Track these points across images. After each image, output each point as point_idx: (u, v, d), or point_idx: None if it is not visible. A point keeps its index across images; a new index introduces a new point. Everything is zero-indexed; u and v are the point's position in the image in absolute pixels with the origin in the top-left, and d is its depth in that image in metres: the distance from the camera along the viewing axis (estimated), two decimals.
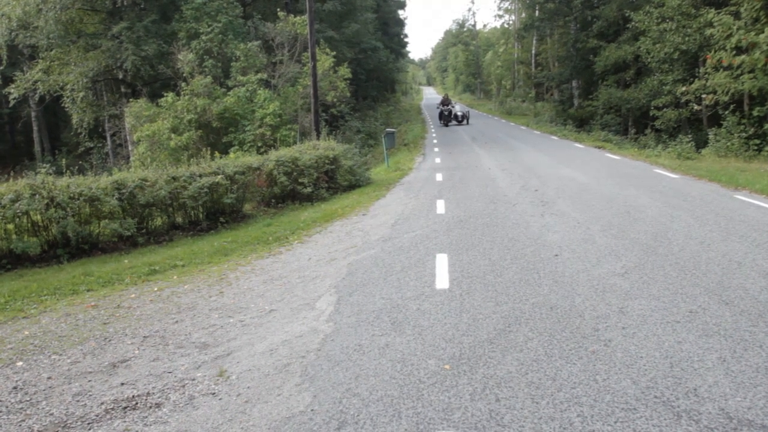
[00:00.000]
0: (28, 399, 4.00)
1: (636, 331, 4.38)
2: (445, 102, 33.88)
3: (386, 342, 4.40)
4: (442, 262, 6.39)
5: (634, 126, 25.18)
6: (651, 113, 21.83)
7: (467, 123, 33.03)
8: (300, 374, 3.97)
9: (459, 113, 33.39)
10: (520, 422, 3.26)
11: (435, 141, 24.78)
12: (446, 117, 33.15)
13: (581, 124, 28.77)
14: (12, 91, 25.00)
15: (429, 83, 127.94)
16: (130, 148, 23.78)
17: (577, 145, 21.02)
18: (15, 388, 4.19)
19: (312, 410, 3.48)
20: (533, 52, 43.95)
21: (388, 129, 19.19)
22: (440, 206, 9.65)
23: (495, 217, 8.59)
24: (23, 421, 3.68)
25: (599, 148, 19.58)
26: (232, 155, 15.26)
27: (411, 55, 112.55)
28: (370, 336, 4.54)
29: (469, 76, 71.57)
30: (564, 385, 3.64)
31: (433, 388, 3.67)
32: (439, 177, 13.56)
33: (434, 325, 4.67)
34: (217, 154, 11.67)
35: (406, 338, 4.45)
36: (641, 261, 6.11)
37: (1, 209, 7.98)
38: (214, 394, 3.82)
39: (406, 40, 60.99)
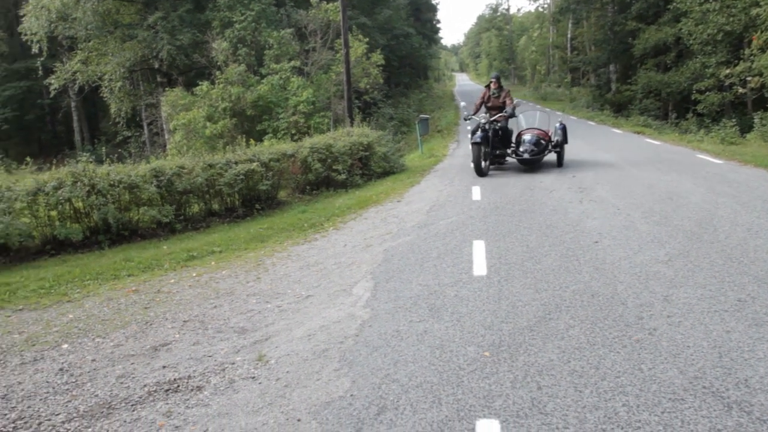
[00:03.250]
0: (74, 380, 4.09)
1: (682, 320, 4.25)
2: (488, 101, 11.75)
3: (424, 328, 4.37)
4: (479, 248, 6.31)
5: (675, 110, 24.48)
6: (693, 97, 21.17)
7: (561, 160, 11.86)
8: (338, 359, 3.97)
9: (529, 135, 11.54)
10: (564, 411, 3.19)
11: (468, 128, 24.50)
12: (490, 142, 11.18)
13: (619, 109, 28.13)
14: (52, 81, 25.59)
15: (462, 69, 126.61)
16: (166, 137, 24.16)
17: (615, 130, 20.56)
18: (61, 369, 4.29)
19: (351, 395, 3.47)
20: (569, 35, 43.06)
21: (422, 115, 19.04)
22: (476, 192, 9.53)
23: (532, 204, 8.45)
24: (69, 402, 3.77)
25: (638, 133, 19.12)
26: (266, 143, 15.35)
27: (443, 41, 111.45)
28: (407, 322, 4.51)
29: (503, 62, 70.56)
30: (608, 374, 3.55)
31: (473, 375, 3.62)
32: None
33: (472, 312, 4.61)
34: (252, 141, 11.74)
35: (444, 324, 4.41)
36: (685, 248, 5.93)
37: (44, 196, 8.19)
38: (253, 378, 3.85)
39: (438, 25, 60.41)
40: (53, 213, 8.43)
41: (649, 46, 25.54)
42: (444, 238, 6.90)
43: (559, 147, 11.70)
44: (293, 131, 17.43)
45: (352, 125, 14.47)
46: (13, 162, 14.49)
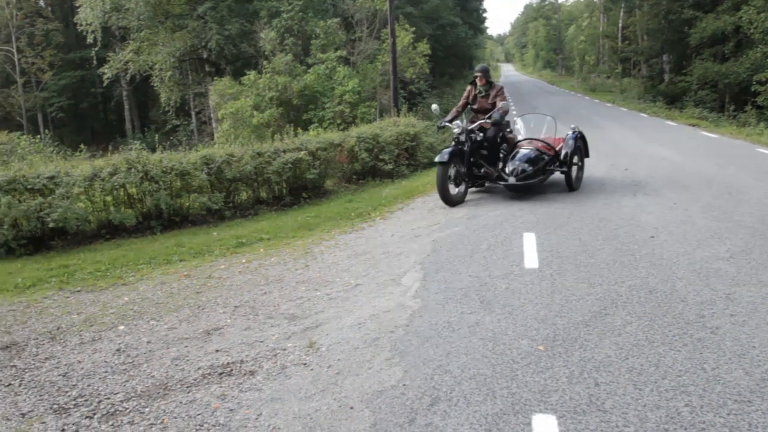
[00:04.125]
0: (131, 361, 4.18)
1: (746, 319, 4.08)
2: (473, 102, 8.86)
3: (476, 320, 4.31)
4: (529, 241, 6.20)
5: (733, 102, 23.53)
6: (752, 89, 20.32)
7: (572, 181, 8.68)
8: (389, 349, 3.95)
9: (525, 149, 8.49)
10: (623, 408, 3.10)
11: (515, 119, 24.19)
12: (466, 159, 8.32)
13: (672, 100, 27.21)
14: (105, 71, 26.30)
15: (507, 60, 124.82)
16: (214, 126, 24.57)
17: (669, 122, 19.91)
18: (118, 350, 4.39)
19: (404, 385, 3.45)
20: (620, 25, 41.83)
21: None
22: None
23: (583, 196, 8.25)
24: (127, 381, 3.86)
25: (693, 126, 18.47)
26: (311, 132, 15.44)
27: (489, 31, 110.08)
28: (458, 313, 4.46)
29: (550, 52, 69.27)
30: (668, 373, 3.43)
31: (528, 369, 3.55)
32: None
33: (525, 305, 4.52)
34: (299, 130, 11.81)
35: (496, 317, 4.34)
36: (748, 245, 5.69)
37: (100, 182, 8.41)
38: (305, 364, 3.86)
39: (484, 15, 59.54)
40: (108, 198, 8.66)
41: (707, 35, 24.58)
42: (493, 229, 6.80)
43: (570, 164, 8.47)
44: (339, 121, 17.47)
45: (398, 115, 14.41)
46: (68, 149, 14.99)
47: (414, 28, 21.88)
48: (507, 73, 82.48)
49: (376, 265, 5.95)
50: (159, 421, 3.30)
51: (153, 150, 9.54)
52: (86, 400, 3.63)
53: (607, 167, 10.67)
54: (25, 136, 18.14)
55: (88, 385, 3.83)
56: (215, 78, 22.64)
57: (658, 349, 3.72)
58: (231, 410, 3.35)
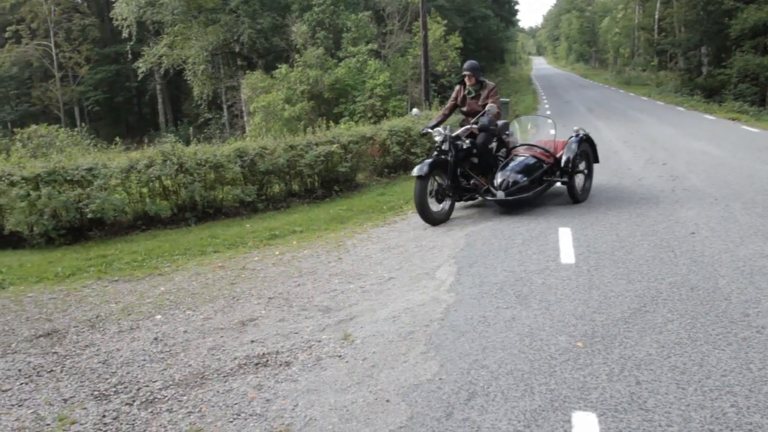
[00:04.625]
0: (168, 350, 4.24)
1: None
2: (462, 104, 7.87)
3: (512, 315, 4.26)
4: (565, 235, 6.11)
5: None
6: None
7: (576, 192, 7.56)
8: (425, 343, 3.93)
9: (520, 157, 7.49)
10: (666, 408, 3.02)
11: (548, 112, 23.80)
12: (450, 170, 7.22)
13: (711, 94, 26.51)
14: (140, 65, 26.73)
15: (539, 53, 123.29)
16: (245, 119, 24.82)
17: (707, 116, 19.41)
18: (155, 339, 4.46)
19: (440, 379, 3.42)
20: (656, 16, 40.89)
21: (501, 99, 18.63)
22: None
23: (620, 191, 8.10)
24: (165, 370, 3.91)
25: (733, 120, 17.97)
26: (342, 126, 15.45)
27: (521, 24, 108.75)
28: (494, 308, 4.41)
29: (583, 45, 68.17)
30: (712, 372, 3.34)
31: (566, 365, 3.49)
32: None
33: (562, 301, 4.45)
34: (331, 123, 11.83)
35: (532, 312, 4.28)
36: None
37: (136, 174, 8.55)
38: (340, 356, 3.86)
39: (516, 7, 58.81)
40: (144, 190, 8.80)
41: (748, 26, 23.89)
42: (528, 224, 6.71)
43: (572, 172, 7.36)
44: (369, 114, 17.46)
45: (430, 108, 14.33)
46: (103, 142, 15.27)
47: (446, 21, 21.72)
48: (538, 66, 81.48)
49: (409, 259, 5.92)
50: (197, 410, 3.34)
51: (187, 143, 9.64)
52: (126, 387, 3.69)
53: (644, 162, 10.46)
54: (63, 129, 18.54)
55: (128, 373, 3.90)
56: (247, 71, 22.81)
57: (702, 347, 3.63)
58: (267, 400, 3.37)
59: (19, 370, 4.04)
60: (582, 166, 7.77)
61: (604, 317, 4.12)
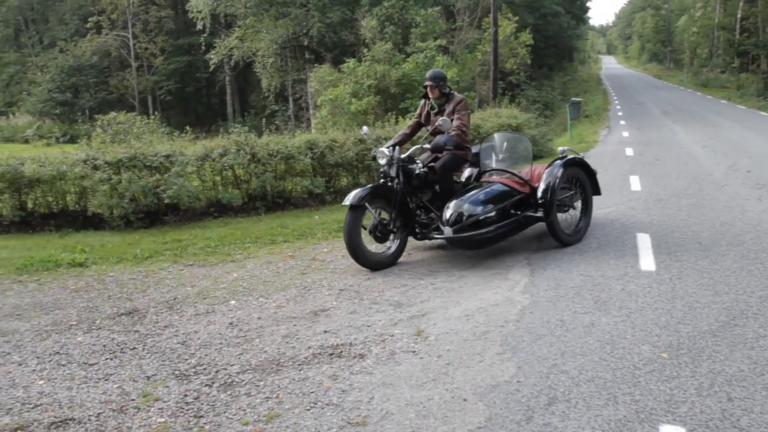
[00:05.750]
0: (243, 335, 4.32)
1: None
2: (426, 121, 6.46)
3: (591, 321, 4.13)
4: (644, 241, 5.89)
5: None
6: None
7: (560, 233, 5.94)
8: (500, 343, 3.86)
9: (487, 188, 5.80)
10: (762, 428, 2.86)
11: (620, 114, 23.13)
12: (397, 200, 5.78)
13: None
14: (212, 56, 27.51)
15: (609, 52, 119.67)
16: (311, 111, 25.15)
17: None
18: (231, 323, 4.55)
19: (518, 381, 3.35)
20: (738, 15, 38.94)
21: (573, 98, 18.24)
22: (634, 182, 8.93)
23: (701, 198, 7.75)
24: (241, 354, 3.99)
25: None
26: (408, 121, 15.43)
27: (591, 22, 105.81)
28: (571, 312, 4.29)
29: (657, 44, 65.68)
30: None
31: (651, 376, 3.36)
32: (629, 151, 12.60)
33: (643, 309, 4.29)
34: (400, 118, 11.83)
35: (612, 319, 4.14)
36: None
37: (210, 162, 8.79)
38: (414, 352, 3.85)
39: (588, 4, 57.37)
40: (217, 178, 9.04)
41: None
42: (603, 228, 6.51)
43: (550, 206, 5.75)
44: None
45: (499, 106, 14.13)
46: (174, 130, 15.78)
47: (516, 17, 21.35)
48: (608, 65, 79.09)
49: (481, 258, 5.84)
50: (274, 395, 3.39)
51: (259, 134, 9.84)
52: (204, 369, 3.78)
53: (726, 168, 9.98)
54: (139, 117, 19.29)
55: (206, 355, 4.00)
56: (315, 65, 23.12)
57: None
58: (343, 391, 3.39)
59: (104, 346, 4.21)
60: (573, 198, 6.19)
61: (690, 329, 3.94)
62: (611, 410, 3.04)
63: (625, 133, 16.64)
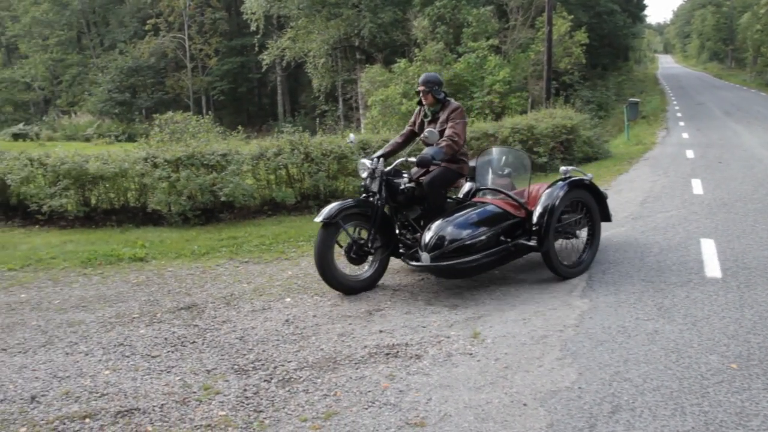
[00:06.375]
0: (300, 332, 4.37)
1: None
2: (420, 129, 5.69)
3: (654, 328, 4.00)
4: (708, 247, 5.67)
5: None
6: None
7: (558, 265, 5.15)
8: (560, 348, 3.78)
9: (458, 216, 5.02)
10: None
11: (678, 114, 22.40)
12: (376, 218, 5.16)
13: None
14: (264, 57, 27.97)
15: (666, 50, 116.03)
16: (361, 112, 25.29)
17: None
18: (287, 320, 4.61)
19: (579, 388, 3.28)
20: None
21: (631, 99, 17.76)
22: (696, 186, 8.62)
23: None
24: (298, 351, 4.03)
25: None
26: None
27: (648, 20, 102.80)
28: (633, 319, 4.17)
29: (718, 42, 63.28)
30: None
31: (720, 387, 3.23)
32: (689, 154, 12.18)
33: (710, 317, 4.13)
34: None
35: (677, 327, 4.00)
36: None
37: (265, 161, 8.93)
38: (471, 354, 3.81)
39: (644, 2, 55.63)
40: (272, 177, 9.17)
41: None
42: (664, 232, 6.31)
43: (546, 233, 4.98)
44: (486, 111, 17.20)
45: (554, 107, 13.88)
46: (227, 129, 16.12)
47: (571, 16, 20.92)
48: (665, 64, 76.71)
49: (536, 261, 5.74)
50: (332, 393, 3.41)
51: (313, 133, 9.94)
52: (263, 365, 3.84)
53: None
54: (194, 117, 19.80)
55: (263, 351, 4.06)
56: (365, 65, 23.22)
57: None
58: (401, 391, 3.38)
59: (165, 339, 4.33)
60: (577, 224, 5.43)
61: (761, 339, 3.77)
62: (678, 421, 2.94)
63: (685, 135, 16.10)
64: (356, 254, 5.18)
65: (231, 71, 39.74)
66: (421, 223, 5.24)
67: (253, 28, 27.49)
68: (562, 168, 5.53)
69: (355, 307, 4.83)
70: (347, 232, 5.11)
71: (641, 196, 8.20)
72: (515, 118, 11.93)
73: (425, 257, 4.83)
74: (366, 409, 3.22)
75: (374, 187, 5.19)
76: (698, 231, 6.27)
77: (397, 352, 3.91)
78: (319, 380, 3.59)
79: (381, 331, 4.29)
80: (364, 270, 5.29)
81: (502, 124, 11.28)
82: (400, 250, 5.29)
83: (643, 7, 54.51)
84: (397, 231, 5.39)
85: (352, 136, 6.42)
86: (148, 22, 37.65)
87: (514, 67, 19.22)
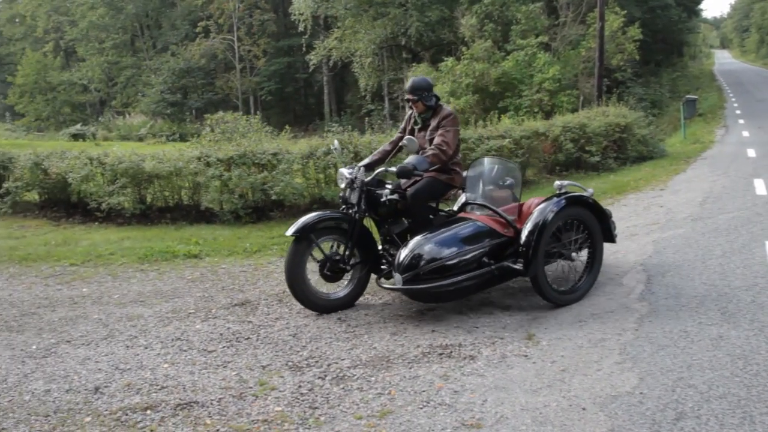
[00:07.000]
0: (352, 331, 4.38)
1: None
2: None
3: (718, 333, 3.86)
4: None
5: None
6: None
7: (549, 291, 4.56)
8: (618, 352, 3.68)
9: (435, 234, 4.56)
10: None
11: (738, 112, 21.57)
12: (354, 233, 4.79)
13: None
14: (311, 57, 28.24)
15: (723, 45, 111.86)
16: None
17: None
18: (340, 319, 4.63)
19: (641, 393, 3.18)
20: None
21: (688, 96, 17.18)
22: (759, 186, 8.28)
23: None
24: (351, 349, 4.04)
25: None
26: (506, 120, 15.14)
27: (704, 14, 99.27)
28: (696, 323, 4.03)
29: None
30: None
31: None
32: (751, 153, 11.72)
33: None
34: (504, 117, 11.63)
35: (743, 332, 3.84)
36: None
37: (314, 160, 9.01)
38: (526, 356, 3.75)
39: None
40: (320, 176, 9.25)
41: None
42: (727, 234, 6.08)
43: (533, 256, 4.41)
44: (536, 110, 16.92)
45: (607, 105, 13.55)
46: (274, 129, 16.35)
47: (624, 12, 20.37)
48: (722, 60, 73.96)
49: None
50: (386, 392, 3.40)
51: (362, 132, 9.98)
52: (316, 362, 3.87)
53: None
54: (244, 117, 20.18)
55: (317, 348, 4.09)
56: (412, 64, 23.18)
57: None
58: (455, 392, 3.35)
59: (221, 334, 4.41)
60: (575, 245, 4.84)
61: None
62: (747, 430, 2.82)
63: (745, 133, 15.49)
64: (330, 271, 4.77)
65: (278, 71, 40.27)
66: (408, 237, 4.78)
67: (300, 28, 27.79)
68: (557, 183, 5.07)
69: (406, 307, 4.82)
70: (320, 248, 4.72)
71: (700, 197, 7.92)
72: (566, 117, 11.70)
73: (398, 278, 4.43)
74: (421, 408, 3.20)
75: (353, 199, 4.80)
76: (763, 233, 6.02)
77: (451, 352, 3.88)
78: (373, 378, 3.59)
79: (433, 331, 4.26)
80: (341, 288, 4.92)
81: (552, 122, 11.08)
82: (382, 267, 4.90)
83: (699, 0, 52.72)
84: (381, 246, 5.02)
85: (336, 142, 5.92)
86: (198, 24, 38.53)
87: (564, 65, 18.83)
